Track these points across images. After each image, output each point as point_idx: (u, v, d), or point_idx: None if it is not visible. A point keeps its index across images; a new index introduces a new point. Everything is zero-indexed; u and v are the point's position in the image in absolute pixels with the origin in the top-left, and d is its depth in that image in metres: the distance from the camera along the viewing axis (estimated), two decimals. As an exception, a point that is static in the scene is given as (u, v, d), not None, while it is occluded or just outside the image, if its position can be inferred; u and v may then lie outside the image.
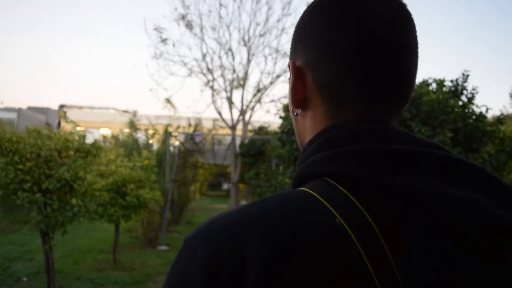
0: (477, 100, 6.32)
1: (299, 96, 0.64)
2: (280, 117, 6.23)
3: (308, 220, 0.47)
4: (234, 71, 12.96)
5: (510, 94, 11.37)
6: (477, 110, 5.72)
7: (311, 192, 0.51)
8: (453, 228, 0.48)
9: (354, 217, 0.47)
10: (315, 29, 0.61)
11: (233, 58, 13.01)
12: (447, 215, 0.48)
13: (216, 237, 0.48)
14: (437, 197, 0.48)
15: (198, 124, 14.51)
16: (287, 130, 5.82)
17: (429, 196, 0.48)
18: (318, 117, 0.62)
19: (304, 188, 0.53)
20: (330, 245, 0.45)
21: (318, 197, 0.50)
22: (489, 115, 6.79)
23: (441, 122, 5.22)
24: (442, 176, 0.51)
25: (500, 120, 5.90)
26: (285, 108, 6.34)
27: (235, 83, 12.93)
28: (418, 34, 0.63)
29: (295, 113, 0.67)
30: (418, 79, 5.89)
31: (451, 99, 5.48)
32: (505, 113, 6.70)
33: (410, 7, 0.62)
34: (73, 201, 5.07)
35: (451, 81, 5.85)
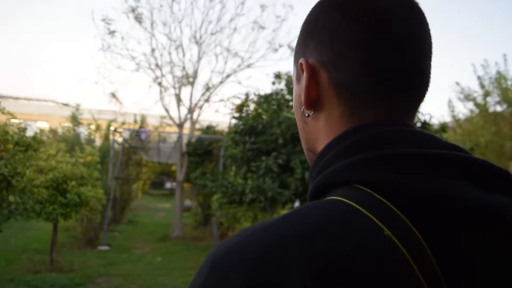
0: (421, 109, 6.57)
1: (312, 96, 0.60)
2: (233, 117, 6.16)
3: (358, 242, 0.42)
4: (183, 68, 12.81)
5: (448, 103, 11.98)
6: (422, 118, 5.93)
7: (348, 201, 0.46)
8: (499, 236, 0.46)
9: (401, 231, 0.44)
10: (330, 26, 0.58)
11: (183, 55, 12.86)
12: (491, 223, 0.46)
13: (252, 260, 0.42)
14: (478, 204, 0.46)
15: (144, 121, 14.13)
16: (240, 130, 5.76)
17: (470, 203, 0.46)
18: (334, 118, 0.59)
19: (338, 198, 0.48)
20: (386, 271, 0.41)
21: (359, 208, 0.45)
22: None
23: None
24: (477, 181, 0.49)
25: (443, 128, 6.16)
26: (238, 108, 6.27)
27: (184, 80, 12.76)
28: None
29: (306, 115, 0.62)
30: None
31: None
32: (442, 121, 7.00)
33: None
34: (11, 198, 4.71)
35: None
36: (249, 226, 0.48)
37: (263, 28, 12.95)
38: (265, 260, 0.41)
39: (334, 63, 0.57)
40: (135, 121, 14.36)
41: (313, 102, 0.60)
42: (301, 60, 0.60)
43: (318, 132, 0.62)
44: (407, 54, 0.56)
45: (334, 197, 0.48)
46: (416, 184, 0.47)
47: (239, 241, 0.45)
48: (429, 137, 0.53)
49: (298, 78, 0.64)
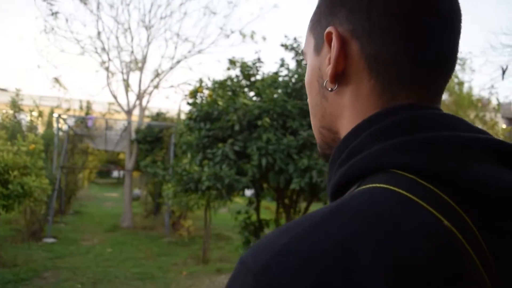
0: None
1: (339, 69, 0.55)
2: (188, 103, 6.00)
3: (424, 237, 0.39)
4: (132, 52, 12.41)
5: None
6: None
7: (399, 190, 0.43)
8: None
9: (457, 221, 0.41)
10: None
11: (132, 39, 12.48)
12: None
13: (307, 274, 0.37)
14: None
15: (90, 107, 13.59)
16: (195, 116, 5.63)
17: None
18: (363, 94, 0.55)
19: (384, 185, 0.44)
20: (456, 264, 0.39)
21: (413, 197, 0.42)
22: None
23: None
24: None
25: None
26: (192, 94, 6.12)
27: (132, 65, 12.38)
28: None
29: (330, 89, 0.58)
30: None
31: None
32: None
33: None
34: None
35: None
36: (285, 225, 0.43)
37: (214, 13, 12.74)
38: (334, 262, 0.37)
39: (369, 34, 0.53)
40: (81, 108, 13.77)
41: (338, 75, 0.56)
42: (330, 29, 0.56)
43: (342, 109, 0.57)
44: (448, 33, 0.54)
45: (378, 185, 0.44)
46: (463, 171, 0.44)
47: (286, 243, 0.39)
48: (462, 121, 0.51)
49: (318, 49, 0.60)
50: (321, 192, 5.04)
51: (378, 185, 0.44)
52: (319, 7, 0.61)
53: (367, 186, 0.45)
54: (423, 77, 0.53)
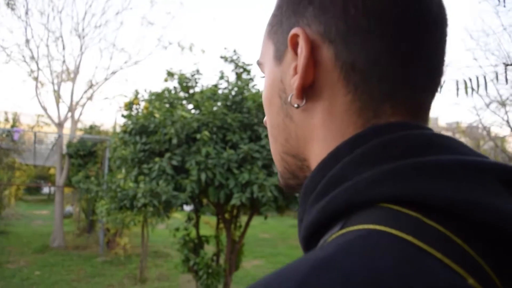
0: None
1: (308, 80, 0.46)
2: (122, 115, 5.71)
3: None
4: (64, 62, 11.81)
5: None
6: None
7: (402, 234, 0.33)
8: None
9: (481, 277, 0.32)
10: None
11: (64, 48, 11.83)
12: None
13: None
14: None
15: (17, 120, 12.77)
16: (130, 130, 5.35)
17: None
18: (339, 111, 0.45)
19: (380, 227, 0.34)
20: None
21: (422, 245, 0.32)
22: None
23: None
24: None
25: None
26: (127, 106, 5.84)
27: (64, 76, 11.79)
28: None
29: (296, 105, 0.48)
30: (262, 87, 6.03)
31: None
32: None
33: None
34: None
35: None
36: (262, 282, 0.33)
37: (152, 24, 12.47)
38: None
39: (345, 37, 0.44)
40: (6, 120, 12.89)
41: (307, 88, 0.46)
42: (296, 31, 0.46)
43: (311, 130, 0.48)
44: (438, 38, 0.46)
45: (373, 226, 0.34)
46: (481, 206, 0.34)
47: None
48: (459, 143, 0.43)
49: (279, 57, 0.50)
50: (262, 207, 4.94)
51: (373, 226, 0.34)
52: (279, 6, 0.51)
53: (358, 227, 0.35)
54: (410, 90, 0.45)
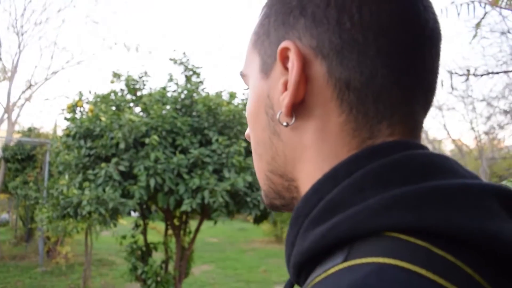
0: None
1: (299, 98, 0.44)
2: (65, 118, 5.44)
3: None
4: (0, 60, 11.10)
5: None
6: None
7: (420, 270, 0.31)
8: None
9: None
10: (335, 0, 0.43)
11: (0, 45, 11.16)
12: None
13: None
14: None
15: None
16: (74, 133, 5.09)
17: None
18: (332, 131, 0.43)
19: (391, 260, 0.32)
20: None
21: (443, 283, 0.31)
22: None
23: (236, 132, 5.36)
24: None
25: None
26: (70, 108, 5.56)
27: (0, 74, 11.12)
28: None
29: (284, 123, 0.45)
30: (213, 90, 5.97)
31: (244, 111, 5.68)
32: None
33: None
34: None
35: (243, 93, 6.09)
36: None
37: (96, 23, 12.05)
38: None
39: (339, 52, 0.42)
40: None
41: (297, 105, 0.44)
42: (286, 44, 0.43)
43: (301, 150, 0.45)
44: (432, 53, 0.44)
45: (383, 260, 0.32)
46: (485, 232, 0.34)
47: None
48: (457, 163, 0.42)
49: (266, 70, 0.48)
50: (213, 213, 4.86)
51: (383, 260, 0.32)
52: (267, 15, 0.48)
53: (366, 261, 0.33)
54: (407, 108, 0.43)
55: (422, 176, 0.38)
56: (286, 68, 0.44)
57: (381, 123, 0.42)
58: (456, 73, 3.05)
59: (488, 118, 10.17)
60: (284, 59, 0.44)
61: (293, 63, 0.42)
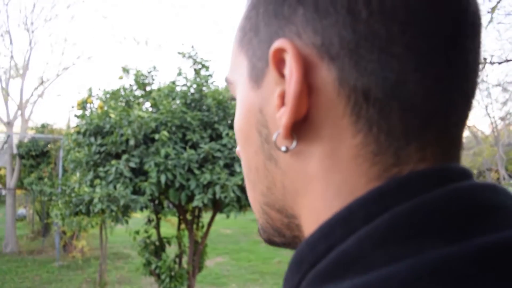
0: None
1: (301, 114, 0.33)
2: (75, 115, 5.44)
3: None
4: (12, 57, 11.19)
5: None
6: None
7: None
8: None
9: None
10: None
11: (11, 43, 11.22)
12: None
13: None
14: None
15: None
16: (84, 130, 5.10)
17: None
18: (345, 157, 0.33)
19: None
20: None
21: None
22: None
23: (247, 125, 5.29)
24: None
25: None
26: (80, 105, 5.57)
27: (12, 72, 11.21)
28: None
29: (283, 148, 0.35)
30: (222, 83, 5.88)
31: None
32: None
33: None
34: None
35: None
36: None
37: (105, 18, 12.05)
38: None
39: (354, 52, 0.31)
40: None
41: (299, 123, 0.34)
42: (281, 43, 0.33)
43: (305, 182, 0.35)
44: (475, 45, 0.34)
45: None
46: None
47: None
48: (507, 194, 0.32)
49: (256, 77, 0.37)
50: (225, 207, 4.83)
51: None
52: (254, 6, 0.37)
53: None
54: (444, 122, 0.33)
55: (473, 225, 0.28)
56: (282, 75, 0.34)
57: (410, 145, 0.32)
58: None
59: (504, 103, 9.98)
60: (279, 64, 0.34)
61: (291, 69, 0.32)
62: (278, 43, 0.33)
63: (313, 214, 0.35)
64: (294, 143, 0.34)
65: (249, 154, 0.40)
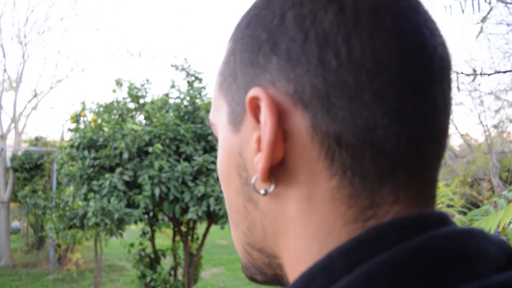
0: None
1: (277, 158, 0.34)
2: (69, 129, 5.44)
3: None
4: (5, 71, 11.22)
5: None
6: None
7: None
8: None
9: None
10: (319, 30, 0.33)
11: (4, 56, 11.24)
12: None
13: None
14: None
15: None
16: (77, 144, 5.10)
17: None
18: (322, 201, 0.34)
19: None
20: None
21: None
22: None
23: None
24: None
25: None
26: (74, 118, 5.56)
27: (6, 85, 11.20)
28: None
29: (262, 191, 0.36)
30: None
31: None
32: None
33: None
34: None
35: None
36: None
37: (98, 30, 12.10)
38: None
39: (325, 99, 0.33)
40: None
41: (275, 167, 0.35)
42: (255, 92, 0.34)
43: (284, 223, 0.36)
44: (444, 88, 0.35)
45: None
46: None
47: None
48: (485, 237, 0.33)
49: (235, 122, 0.38)
50: (219, 220, 4.83)
51: None
52: (232, 52, 0.39)
53: None
54: (415, 164, 0.34)
55: (452, 274, 0.29)
56: (258, 120, 0.35)
57: (383, 187, 0.33)
58: (462, 73, 3.00)
59: (497, 111, 10.06)
60: (255, 110, 0.35)
61: (266, 116, 0.33)
62: (252, 92, 0.34)
63: (293, 255, 0.36)
64: (272, 187, 0.35)
65: (230, 195, 0.41)
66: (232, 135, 0.39)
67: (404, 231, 0.31)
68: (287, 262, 0.37)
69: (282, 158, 0.34)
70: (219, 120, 0.42)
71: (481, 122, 10.59)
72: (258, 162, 0.35)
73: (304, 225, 0.35)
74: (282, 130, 0.34)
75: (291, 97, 0.34)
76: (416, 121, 0.33)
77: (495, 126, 10.68)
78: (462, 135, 11.81)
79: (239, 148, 0.38)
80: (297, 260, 0.35)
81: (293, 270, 0.36)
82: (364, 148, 0.32)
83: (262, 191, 0.36)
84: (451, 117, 0.37)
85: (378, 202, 0.33)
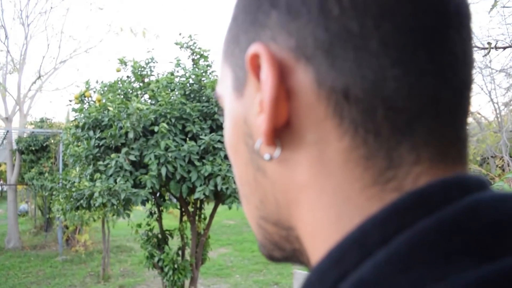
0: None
1: (280, 119, 0.32)
2: (73, 109, 5.37)
3: None
4: (8, 52, 11.11)
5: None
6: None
7: None
8: None
9: None
10: None
11: (7, 37, 11.12)
12: None
13: None
14: None
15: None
16: (82, 124, 5.03)
17: None
18: (334, 163, 0.31)
19: None
20: None
21: None
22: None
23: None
24: None
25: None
26: (78, 98, 5.49)
27: (9, 67, 11.14)
28: None
29: (267, 156, 0.34)
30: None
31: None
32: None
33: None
34: None
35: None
36: None
37: (101, 9, 11.95)
38: None
39: (329, 51, 0.30)
40: None
41: (280, 130, 0.32)
42: (255, 48, 0.32)
43: (296, 190, 0.33)
44: (463, 36, 0.32)
45: None
46: None
47: None
48: None
49: (239, 87, 0.36)
50: (227, 199, 4.78)
51: None
52: (235, 17, 0.37)
53: None
54: (435, 118, 0.30)
55: (501, 242, 0.25)
56: (259, 81, 0.33)
57: (402, 145, 0.30)
58: (476, 46, 2.87)
59: (508, 89, 9.86)
60: (256, 69, 0.33)
61: (266, 73, 0.31)
62: (252, 49, 0.32)
63: (309, 225, 0.33)
64: (278, 151, 0.33)
65: (239, 168, 0.39)
66: (237, 102, 0.37)
67: (447, 195, 0.28)
68: (304, 233, 0.34)
69: (287, 119, 0.32)
70: (224, 89, 0.40)
71: (491, 100, 10.40)
72: (261, 123, 0.32)
73: (318, 192, 0.32)
74: (285, 88, 0.32)
75: (293, 52, 0.31)
76: (431, 71, 0.30)
77: (506, 104, 10.50)
78: (472, 113, 11.64)
79: (244, 114, 0.36)
80: (313, 231, 0.33)
81: (311, 243, 0.33)
82: (374, 102, 0.29)
83: (267, 156, 0.34)
84: (473, 69, 0.33)
85: (397, 162, 0.30)
